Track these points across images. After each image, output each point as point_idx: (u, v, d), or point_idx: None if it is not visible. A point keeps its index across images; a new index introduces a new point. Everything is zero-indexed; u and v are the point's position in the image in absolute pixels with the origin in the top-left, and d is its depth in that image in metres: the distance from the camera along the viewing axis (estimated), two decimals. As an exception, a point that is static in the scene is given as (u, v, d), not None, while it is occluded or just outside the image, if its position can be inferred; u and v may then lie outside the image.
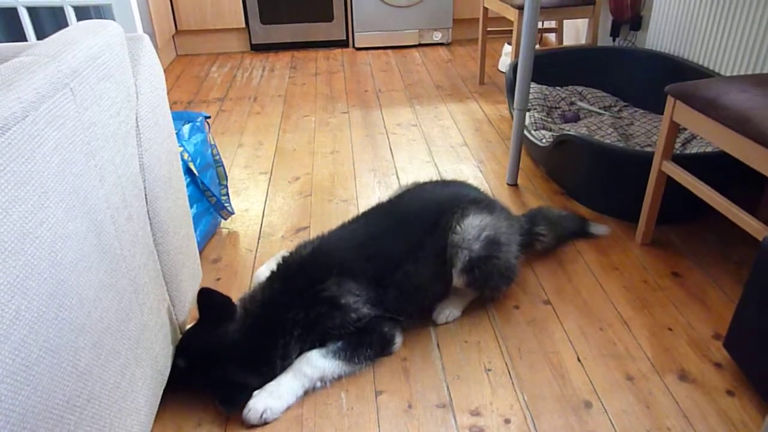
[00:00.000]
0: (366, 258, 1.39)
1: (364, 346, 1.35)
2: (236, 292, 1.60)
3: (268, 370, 1.28)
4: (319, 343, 1.32)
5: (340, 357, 1.31)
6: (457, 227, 1.43)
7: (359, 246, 1.42)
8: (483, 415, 1.24)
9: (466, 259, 1.41)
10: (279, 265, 1.41)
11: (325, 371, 1.30)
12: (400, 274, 1.39)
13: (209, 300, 1.30)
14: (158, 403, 1.19)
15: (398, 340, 1.41)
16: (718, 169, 1.71)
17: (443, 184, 1.67)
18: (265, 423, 1.23)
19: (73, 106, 0.87)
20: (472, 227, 1.43)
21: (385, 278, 1.38)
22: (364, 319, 1.34)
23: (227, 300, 1.31)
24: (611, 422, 1.21)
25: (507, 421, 1.22)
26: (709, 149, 1.89)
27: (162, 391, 1.22)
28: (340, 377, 1.33)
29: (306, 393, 1.29)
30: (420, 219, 1.47)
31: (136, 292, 1.06)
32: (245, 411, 1.23)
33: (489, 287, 1.47)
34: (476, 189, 1.64)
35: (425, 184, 1.65)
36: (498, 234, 1.44)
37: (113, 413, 0.95)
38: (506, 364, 1.37)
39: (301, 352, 1.31)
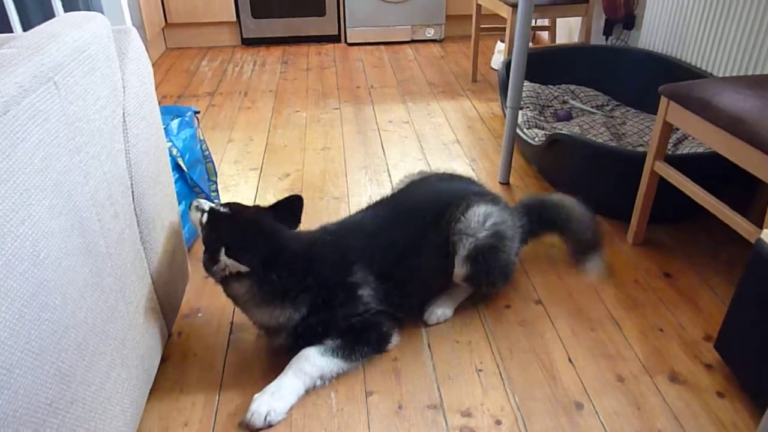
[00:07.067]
0: (379, 250, 1.38)
1: (362, 343, 1.33)
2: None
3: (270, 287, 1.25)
4: (316, 337, 1.30)
5: (339, 354, 1.30)
6: (462, 217, 1.43)
7: (374, 236, 1.40)
8: (474, 416, 1.23)
9: (471, 246, 1.40)
10: (326, 230, 1.41)
11: (323, 369, 1.28)
12: (404, 267, 1.39)
13: (295, 204, 1.32)
14: (144, 403, 1.17)
15: (395, 338, 1.40)
16: (710, 170, 1.71)
17: (449, 178, 1.64)
18: (270, 426, 1.20)
19: (58, 100, 0.85)
20: (477, 215, 1.42)
21: (392, 271, 1.37)
22: (369, 312, 1.33)
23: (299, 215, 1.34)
24: (602, 423, 1.21)
25: (498, 422, 1.21)
26: (701, 150, 1.89)
27: (148, 391, 1.20)
28: (338, 375, 1.31)
29: (307, 392, 1.27)
30: (425, 212, 1.45)
31: (122, 291, 1.04)
32: (248, 415, 1.20)
33: (488, 282, 1.46)
34: (480, 184, 1.65)
35: (431, 176, 1.63)
36: (505, 227, 1.45)
37: (98, 415, 0.93)
38: (497, 364, 1.36)
39: (296, 325, 1.28)
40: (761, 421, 1.02)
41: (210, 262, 1.25)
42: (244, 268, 1.21)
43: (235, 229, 1.26)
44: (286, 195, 1.33)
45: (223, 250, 1.20)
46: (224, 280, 1.27)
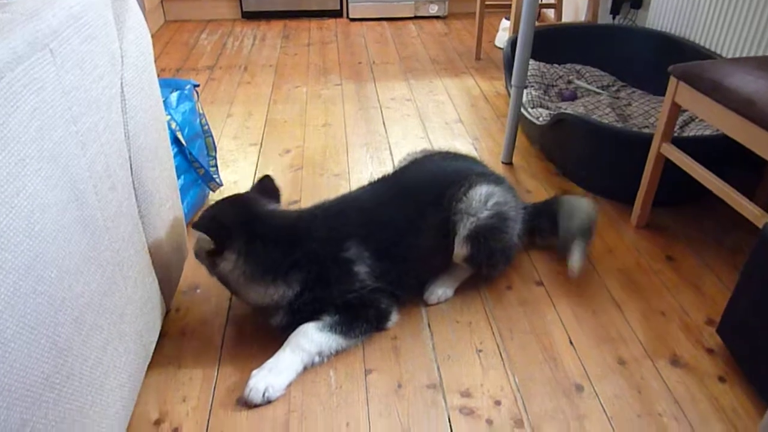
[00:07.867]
0: (376, 227, 1.37)
1: (360, 320, 1.32)
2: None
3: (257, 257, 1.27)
4: (314, 314, 1.29)
5: (337, 330, 1.29)
6: (464, 197, 1.41)
7: (371, 213, 1.39)
8: (473, 396, 1.22)
9: (473, 227, 1.38)
10: (318, 206, 1.41)
11: (322, 345, 1.27)
12: (403, 246, 1.37)
13: (268, 185, 1.40)
14: (142, 378, 1.17)
15: (394, 316, 1.39)
16: (718, 152, 1.68)
17: (452, 157, 1.62)
18: (268, 402, 1.20)
19: (53, 68, 0.82)
20: (479, 194, 1.41)
21: (390, 249, 1.35)
22: (366, 289, 1.32)
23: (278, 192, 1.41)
24: (602, 406, 1.20)
25: (497, 403, 1.21)
26: (707, 132, 1.87)
27: (146, 366, 1.19)
28: (336, 351, 1.30)
29: (305, 369, 1.27)
30: (427, 191, 1.44)
31: (120, 264, 1.03)
32: (246, 391, 1.19)
33: (489, 264, 1.45)
34: (483, 165, 1.62)
35: (434, 155, 1.61)
36: (508, 208, 1.43)
37: (94, 390, 0.92)
38: (498, 345, 1.35)
39: (291, 302, 1.28)
40: (765, 418, 1.02)
41: (195, 249, 1.31)
42: (206, 237, 1.24)
43: (204, 211, 1.34)
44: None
45: (194, 230, 1.24)
46: (213, 264, 1.28)
